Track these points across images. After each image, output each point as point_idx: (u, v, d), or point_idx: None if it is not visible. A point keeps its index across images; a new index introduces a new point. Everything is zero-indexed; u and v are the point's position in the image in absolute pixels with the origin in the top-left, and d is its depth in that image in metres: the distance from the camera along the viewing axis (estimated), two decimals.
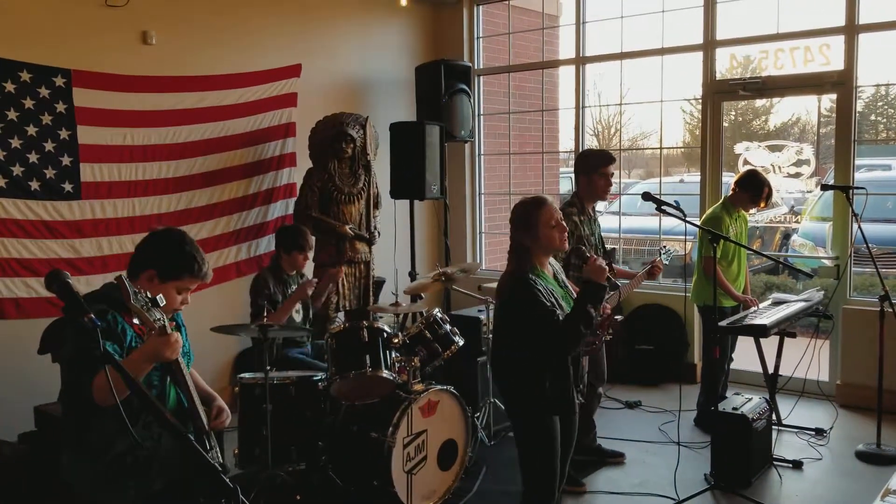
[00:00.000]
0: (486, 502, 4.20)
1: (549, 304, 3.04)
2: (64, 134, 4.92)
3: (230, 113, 5.81)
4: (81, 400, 2.41)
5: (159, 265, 2.63)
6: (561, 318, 3.04)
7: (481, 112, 7.71)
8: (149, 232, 2.81)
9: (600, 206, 4.75)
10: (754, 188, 5.11)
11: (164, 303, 2.39)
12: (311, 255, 5.09)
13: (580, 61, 7.00)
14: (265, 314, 4.25)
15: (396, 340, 4.23)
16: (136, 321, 2.41)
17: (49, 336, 4.20)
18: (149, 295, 2.33)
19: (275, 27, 6.16)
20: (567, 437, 3.28)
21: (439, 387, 4.17)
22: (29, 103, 4.77)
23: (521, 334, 3.10)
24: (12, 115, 4.70)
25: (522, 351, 3.10)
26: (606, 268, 3.11)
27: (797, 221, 9.71)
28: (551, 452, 3.16)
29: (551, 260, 3.32)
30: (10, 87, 4.68)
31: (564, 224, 3.21)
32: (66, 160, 4.94)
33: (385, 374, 4.07)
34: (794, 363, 5.27)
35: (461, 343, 4.44)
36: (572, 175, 7.61)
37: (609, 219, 7.75)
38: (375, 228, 6.05)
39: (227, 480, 1.65)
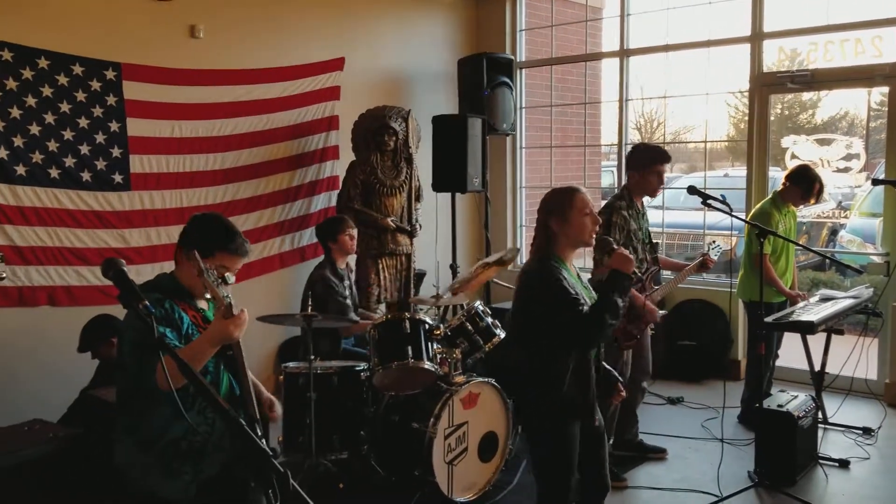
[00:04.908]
0: (526, 495, 4.19)
1: (573, 292, 2.85)
2: (114, 126, 5.03)
3: (275, 106, 5.88)
4: (145, 385, 2.46)
5: (195, 244, 2.62)
6: (586, 309, 2.84)
7: (523, 105, 7.68)
8: (190, 218, 2.84)
9: (645, 200, 4.69)
10: (806, 183, 5.02)
11: (233, 280, 2.44)
12: (355, 233, 5.11)
13: (624, 54, 6.94)
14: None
15: (438, 332, 4.24)
16: (205, 298, 2.41)
17: (88, 333, 4.30)
18: (216, 272, 2.38)
19: (319, 21, 6.22)
20: (597, 440, 3.05)
21: (480, 379, 4.18)
22: (81, 96, 4.88)
23: (536, 324, 2.88)
24: (65, 107, 4.82)
25: (542, 345, 2.89)
26: (632, 258, 2.93)
27: (845, 217, 9.52)
28: (564, 460, 2.91)
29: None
30: (63, 80, 4.80)
31: (598, 217, 3.03)
32: (116, 152, 5.05)
33: (427, 365, 4.09)
34: (841, 361, 5.16)
35: (502, 335, 4.43)
36: (614, 169, 7.56)
37: (652, 213, 7.66)
38: (417, 221, 6.08)
39: (278, 465, 1.68)
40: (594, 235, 3.01)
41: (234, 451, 2.56)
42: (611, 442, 4.57)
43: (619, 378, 3.24)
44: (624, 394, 3.25)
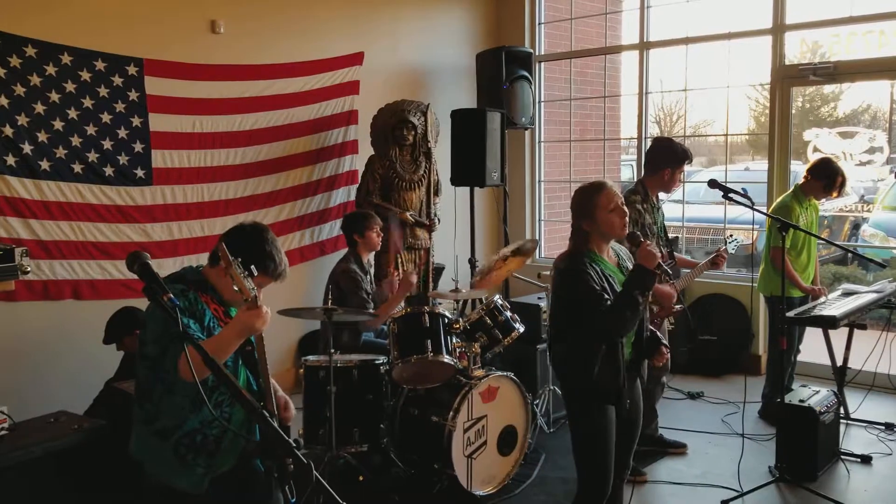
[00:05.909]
0: (546, 489, 4.21)
1: (598, 287, 2.96)
2: (136, 121, 5.07)
3: (295, 101, 5.91)
4: (164, 376, 2.48)
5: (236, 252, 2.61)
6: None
7: (542, 99, 7.66)
8: (236, 224, 2.80)
9: (662, 194, 4.66)
10: (828, 176, 4.97)
11: (257, 273, 2.46)
12: (380, 229, 5.09)
13: (644, 46, 6.89)
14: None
15: (457, 326, 4.26)
16: (236, 287, 2.39)
17: (113, 326, 4.34)
18: (242, 265, 2.38)
19: (338, 16, 6.23)
20: (628, 425, 3.20)
21: (499, 373, 4.19)
22: (103, 91, 4.92)
23: (567, 317, 3.06)
24: (88, 102, 4.86)
25: (570, 335, 3.06)
26: (658, 254, 2.99)
27: (868, 211, 9.42)
28: (599, 444, 3.05)
29: (617, 247, 3.24)
30: (85, 75, 4.84)
31: (625, 209, 3.11)
32: (138, 147, 5.09)
33: (446, 359, 4.10)
34: (863, 356, 5.13)
35: (521, 330, 4.44)
36: (633, 163, 7.52)
37: (672, 207, 7.63)
38: (435, 215, 6.09)
39: (302, 457, 1.69)
40: (626, 228, 3.10)
41: (250, 446, 2.57)
42: None
43: (664, 341, 3.34)
44: (668, 355, 3.36)
